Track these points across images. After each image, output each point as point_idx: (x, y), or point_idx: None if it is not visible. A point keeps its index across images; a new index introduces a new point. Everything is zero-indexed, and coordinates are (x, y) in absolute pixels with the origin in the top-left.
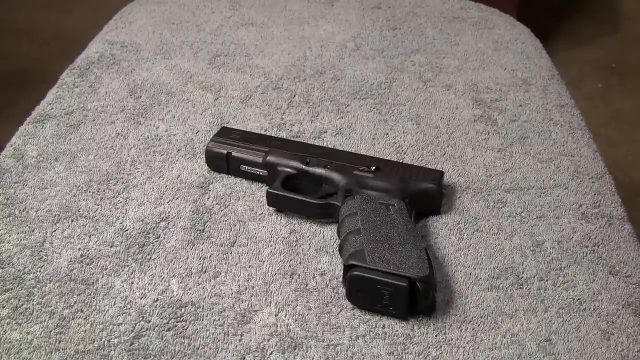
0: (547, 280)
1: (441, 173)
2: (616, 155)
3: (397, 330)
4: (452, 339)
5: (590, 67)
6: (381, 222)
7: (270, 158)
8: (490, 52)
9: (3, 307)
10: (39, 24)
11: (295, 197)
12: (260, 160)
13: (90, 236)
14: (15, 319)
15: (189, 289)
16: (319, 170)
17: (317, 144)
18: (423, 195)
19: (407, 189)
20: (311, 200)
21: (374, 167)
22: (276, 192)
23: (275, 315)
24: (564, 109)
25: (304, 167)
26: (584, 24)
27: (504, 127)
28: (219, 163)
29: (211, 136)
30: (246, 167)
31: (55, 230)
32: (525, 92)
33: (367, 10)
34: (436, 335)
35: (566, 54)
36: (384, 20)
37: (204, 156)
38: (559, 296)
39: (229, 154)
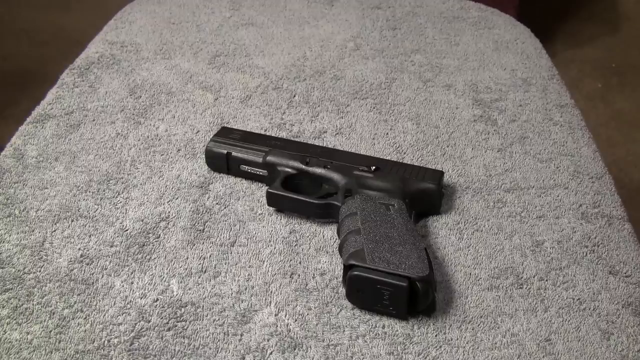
0: (547, 280)
1: (441, 173)
2: (616, 155)
3: (397, 330)
4: (452, 339)
5: (590, 67)
6: (381, 222)
7: (270, 158)
8: (490, 52)
9: (3, 307)
10: (39, 24)
11: (295, 197)
12: (260, 160)
13: (90, 236)
14: (15, 319)
15: (189, 289)
16: (319, 170)
17: (317, 144)
18: (423, 195)
19: (407, 189)
20: (311, 200)
21: (374, 167)
22: (276, 192)
23: (275, 315)
24: (564, 109)
25: (303, 167)
26: (584, 24)
27: (503, 127)
28: (219, 163)
29: (211, 136)
30: (246, 167)
31: (55, 230)
32: (525, 92)
33: (367, 10)
34: (436, 335)
35: (566, 54)
36: (384, 20)
37: (204, 156)
38: (559, 296)
39: (229, 154)
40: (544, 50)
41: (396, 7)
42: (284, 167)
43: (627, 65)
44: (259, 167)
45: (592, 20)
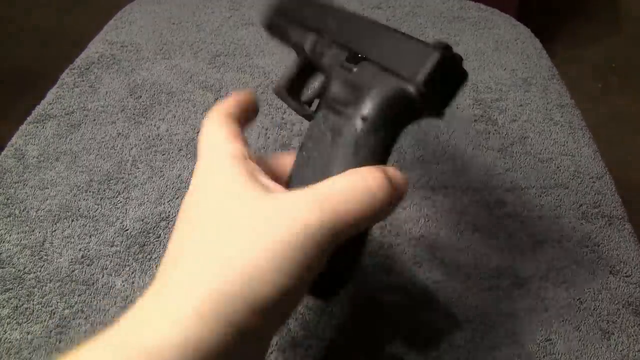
0: (547, 280)
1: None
2: (616, 155)
3: None
4: (452, 339)
5: (590, 67)
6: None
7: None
8: (490, 52)
9: (3, 307)
10: (39, 24)
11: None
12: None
13: (90, 236)
14: (15, 319)
15: None
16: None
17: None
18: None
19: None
20: (306, 113)
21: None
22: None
23: None
24: (564, 109)
25: (308, 55)
26: (584, 24)
27: (504, 126)
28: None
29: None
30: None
31: (55, 230)
32: (526, 92)
33: (367, 10)
34: (436, 335)
35: (566, 54)
36: (384, 20)
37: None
38: (559, 296)
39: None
40: (544, 50)
41: (396, 7)
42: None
43: (627, 65)
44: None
45: (592, 20)
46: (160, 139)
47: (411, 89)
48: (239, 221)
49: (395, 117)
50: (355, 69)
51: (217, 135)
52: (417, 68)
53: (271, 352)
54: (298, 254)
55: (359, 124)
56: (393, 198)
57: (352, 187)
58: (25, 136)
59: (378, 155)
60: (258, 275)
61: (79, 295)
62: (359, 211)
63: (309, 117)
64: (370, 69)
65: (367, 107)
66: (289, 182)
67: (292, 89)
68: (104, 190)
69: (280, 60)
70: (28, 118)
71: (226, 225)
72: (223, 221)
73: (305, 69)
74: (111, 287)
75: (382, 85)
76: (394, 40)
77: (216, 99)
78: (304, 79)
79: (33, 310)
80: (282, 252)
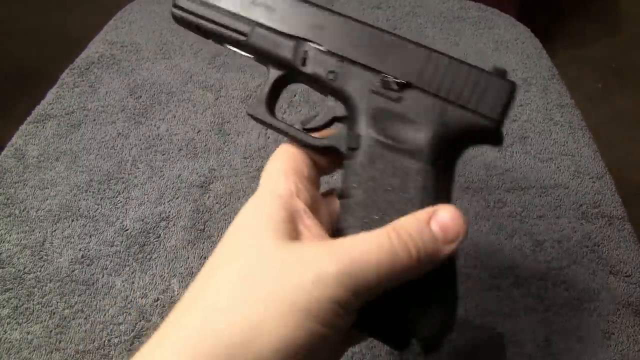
0: (547, 280)
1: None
2: (616, 155)
3: None
4: (452, 339)
5: (590, 67)
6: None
7: (254, 41)
8: (490, 52)
9: (3, 307)
10: (39, 24)
11: (279, 128)
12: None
13: (90, 236)
14: (15, 319)
15: None
16: (319, 71)
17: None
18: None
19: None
20: (305, 141)
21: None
22: (257, 117)
23: None
24: (564, 109)
25: (298, 66)
26: (584, 24)
27: (504, 126)
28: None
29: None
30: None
31: (55, 230)
32: (526, 92)
33: (367, 10)
34: None
35: (566, 54)
36: (384, 20)
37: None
38: (559, 296)
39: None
40: (544, 50)
41: (396, 7)
42: (272, 59)
43: (627, 65)
44: (243, 49)
45: (592, 20)
46: (160, 139)
47: (487, 123)
48: (255, 270)
49: (462, 151)
50: (401, 98)
51: (274, 169)
52: (493, 101)
53: None
54: (309, 304)
55: (427, 162)
56: (434, 251)
57: (370, 242)
58: (25, 136)
59: (446, 192)
60: (261, 325)
61: (79, 295)
62: (376, 268)
63: (331, 149)
64: (424, 99)
65: (436, 146)
66: (336, 229)
67: (270, 109)
68: (104, 190)
69: None
70: (28, 118)
71: (241, 275)
72: (240, 270)
73: (281, 83)
74: (111, 287)
75: (452, 120)
76: (448, 67)
77: (216, 99)
78: (277, 95)
79: (33, 310)
80: (289, 302)
